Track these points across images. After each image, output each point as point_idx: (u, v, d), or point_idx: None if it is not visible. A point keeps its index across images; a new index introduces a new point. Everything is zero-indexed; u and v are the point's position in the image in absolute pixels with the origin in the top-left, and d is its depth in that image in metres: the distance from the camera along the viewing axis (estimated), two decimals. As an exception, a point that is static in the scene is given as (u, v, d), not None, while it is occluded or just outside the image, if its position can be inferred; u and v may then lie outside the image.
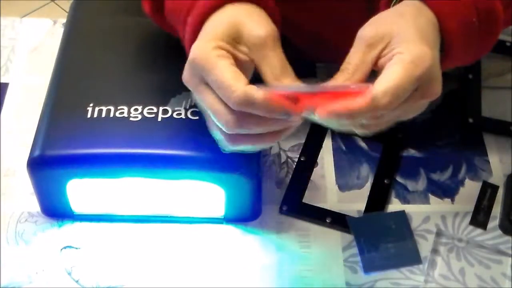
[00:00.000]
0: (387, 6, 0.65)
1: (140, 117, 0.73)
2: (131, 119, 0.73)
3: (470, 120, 0.88)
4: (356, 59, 0.60)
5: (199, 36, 0.61)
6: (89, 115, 0.73)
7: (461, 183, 0.83)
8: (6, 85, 0.92)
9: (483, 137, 0.88)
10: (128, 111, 0.73)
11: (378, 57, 0.60)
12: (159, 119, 0.73)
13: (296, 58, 0.78)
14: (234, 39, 0.59)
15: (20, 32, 1.00)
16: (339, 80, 0.59)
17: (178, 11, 0.66)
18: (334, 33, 0.80)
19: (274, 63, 0.58)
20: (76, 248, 0.76)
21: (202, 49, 0.58)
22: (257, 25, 0.59)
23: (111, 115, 0.73)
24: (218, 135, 0.60)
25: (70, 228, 0.78)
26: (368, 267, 0.74)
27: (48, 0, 2.31)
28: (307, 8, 0.78)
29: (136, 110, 0.73)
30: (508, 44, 0.95)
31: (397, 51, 0.58)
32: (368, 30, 0.61)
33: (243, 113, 0.56)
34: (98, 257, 0.75)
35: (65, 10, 2.19)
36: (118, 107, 0.74)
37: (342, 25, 0.79)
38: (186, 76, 0.59)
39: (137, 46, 0.82)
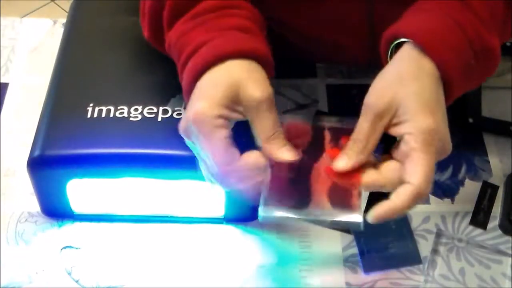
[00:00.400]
0: (386, 55, 0.66)
1: (140, 117, 0.73)
2: (131, 119, 0.73)
3: (470, 120, 0.88)
4: (366, 129, 0.61)
5: (199, 93, 0.62)
6: (89, 115, 0.73)
7: (461, 183, 0.83)
8: (6, 85, 0.92)
9: (483, 137, 0.88)
10: (128, 111, 0.73)
11: (388, 126, 0.61)
12: (159, 119, 0.73)
13: (296, 58, 0.78)
14: (233, 101, 0.61)
15: (20, 32, 1.00)
16: (354, 150, 0.61)
17: (178, 50, 0.66)
18: (334, 34, 0.80)
19: (267, 125, 0.61)
20: (76, 248, 0.76)
21: (202, 116, 0.60)
22: (255, 87, 0.61)
23: (111, 115, 0.73)
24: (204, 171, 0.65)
25: (70, 228, 0.78)
26: (368, 267, 0.74)
27: (48, 0, 2.31)
28: (307, 8, 0.78)
29: (136, 110, 0.73)
30: (508, 44, 0.95)
31: (406, 131, 0.60)
32: (374, 100, 0.61)
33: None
34: (98, 257, 0.75)
35: (65, 10, 2.19)
36: (118, 107, 0.74)
37: (342, 25, 0.79)
38: (183, 127, 0.62)
39: (137, 46, 0.82)
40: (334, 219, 0.62)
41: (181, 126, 0.63)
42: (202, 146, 0.61)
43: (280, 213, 0.61)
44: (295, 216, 0.62)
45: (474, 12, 0.65)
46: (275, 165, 0.62)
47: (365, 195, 0.81)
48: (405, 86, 0.61)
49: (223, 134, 0.60)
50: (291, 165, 0.62)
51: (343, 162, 0.61)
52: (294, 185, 0.63)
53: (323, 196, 0.62)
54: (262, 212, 0.62)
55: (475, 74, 0.66)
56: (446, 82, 0.63)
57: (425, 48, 0.62)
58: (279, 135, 0.61)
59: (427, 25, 0.64)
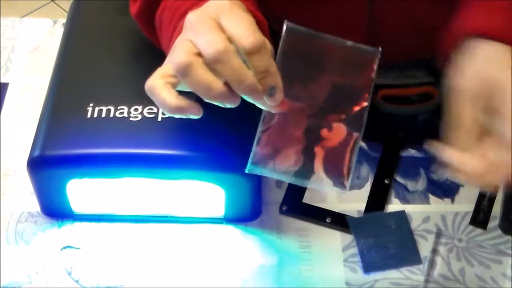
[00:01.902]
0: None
1: (140, 117, 0.73)
2: (131, 119, 0.73)
3: (470, 120, 0.88)
4: (468, 115, 0.59)
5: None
6: (89, 115, 0.73)
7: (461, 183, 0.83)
8: (6, 85, 0.92)
9: (483, 137, 0.88)
10: (128, 111, 0.73)
11: (486, 107, 0.59)
12: (159, 119, 0.73)
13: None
14: None
15: (20, 32, 1.00)
16: (461, 137, 0.59)
17: (173, 10, 0.66)
18: (334, 33, 0.80)
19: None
20: (76, 248, 0.76)
21: (232, 2, 0.57)
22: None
23: (111, 115, 0.73)
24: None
25: (70, 228, 0.78)
26: (368, 267, 0.74)
27: (48, 0, 2.31)
28: (307, 7, 0.78)
29: (136, 110, 0.73)
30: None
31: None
32: (469, 83, 0.60)
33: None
34: (98, 257, 0.75)
35: (65, 10, 2.19)
36: (118, 107, 0.74)
37: (342, 25, 0.79)
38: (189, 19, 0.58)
39: (137, 46, 0.82)
40: (323, 187, 0.61)
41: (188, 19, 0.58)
42: (230, 24, 0.56)
43: (267, 172, 0.61)
44: (282, 178, 0.61)
45: None
46: (276, 121, 0.60)
47: (365, 195, 0.81)
48: (503, 70, 0.59)
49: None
50: (293, 122, 0.61)
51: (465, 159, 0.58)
52: (290, 144, 0.61)
53: (319, 163, 0.61)
54: (250, 167, 0.60)
55: None
56: None
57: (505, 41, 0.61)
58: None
59: (500, 21, 0.63)
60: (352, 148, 0.61)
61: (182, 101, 0.57)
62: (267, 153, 0.61)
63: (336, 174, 0.61)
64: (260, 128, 0.60)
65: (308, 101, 0.61)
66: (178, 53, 0.56)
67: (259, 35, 0.55)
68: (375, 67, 0.61)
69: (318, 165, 0.61)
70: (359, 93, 0.61)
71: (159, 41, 0.72)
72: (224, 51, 0.55)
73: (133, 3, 0.76)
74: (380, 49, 0.60)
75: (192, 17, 0.58)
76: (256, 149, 0.60)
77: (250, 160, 0.60)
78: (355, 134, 0.61)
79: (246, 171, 0.60)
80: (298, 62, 0.60)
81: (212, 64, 0.55)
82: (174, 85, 0.58)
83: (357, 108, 0.61)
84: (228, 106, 0.58)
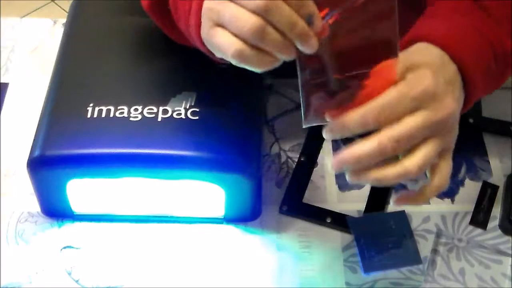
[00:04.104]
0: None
1: (140, 117, 0.73)
2: (131, 119, 0.73)
3: (470, 120, 0.88)
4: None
5: None
6: (89, 115, 0.73)
7: (461, 183, 0.83)
8: (6, 85, 0.92)
9: (483, 137, 0.88)
10: (128, 111, 0.73)
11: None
12: (159, 119, 0.73)
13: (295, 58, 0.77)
14: None
15: (20, 32, 1.00)
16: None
17: None
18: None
19: None
20: (76, 248, 0.76)
21: None
22: None
23: (111, 115, 0.73)
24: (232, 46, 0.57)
25: (70, 228, 0.78)
26: (368, 267, 0.74)
27: (48, 0, 2.31)
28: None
29: (136, 110, 0.73)
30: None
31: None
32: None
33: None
34: (98, 257, 0.75)
35: (65, 10, 2.19)
36: (118, 107, 0.74)
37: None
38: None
39: (137, 46, 0.82)
40: None
41: (206, 3, 0.58)
42: None
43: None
44: None
45: (490, 14, 0.65)
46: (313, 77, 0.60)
47: (365, 195, 0.81)
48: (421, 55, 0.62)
49: None
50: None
51: None
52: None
53: None
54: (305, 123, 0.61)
55: (493, 79, 0.66)
56: (467, 82, 0.63)
57: (447, 49, 0.62)
58: None
59: (446, 29, 0.65)
60: None
61: None
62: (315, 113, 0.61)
63: None
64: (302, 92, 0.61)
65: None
66: (241, 18, 0.55)
67: None
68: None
69: None
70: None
71: (177, 25, 0.70)
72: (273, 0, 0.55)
73: None
74: None
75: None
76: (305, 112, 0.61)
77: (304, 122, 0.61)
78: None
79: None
80: None
81: (263, 14, 0.55)
82: None
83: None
84: (284, 58, 0.57)
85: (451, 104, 0.61)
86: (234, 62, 0.57)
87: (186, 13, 0.65)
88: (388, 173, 0.60)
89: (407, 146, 0.59)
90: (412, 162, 0.60)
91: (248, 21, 0.55)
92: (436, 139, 0.60)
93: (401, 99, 0.59)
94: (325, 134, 0.61)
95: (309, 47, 0.57)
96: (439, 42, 0.63)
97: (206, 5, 0.58)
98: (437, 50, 0.63)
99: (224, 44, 0.57)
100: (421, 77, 0.60)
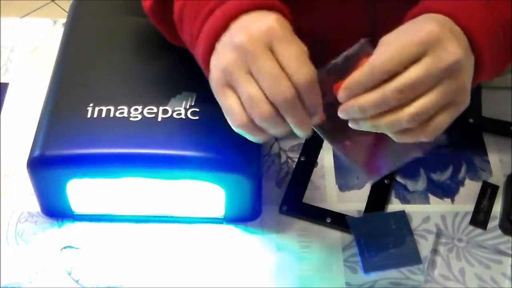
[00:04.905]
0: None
1: (140, 117, 0.73)
2: (131, 119, 0.73)
3: (470, 120, 0.88)
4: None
5: (249, 22, 0.60)
6: (89, 115, 0.73)
7: (461, 183, 0.83)
8: (6, 85, 0.92)
9: (483, 137, 0.88)
10: (128, 111, 0.73)
11: None
12: (159, 119, 0.73)
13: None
14: None
15: (20, 32, 1.00)
16: None
17: (195, 8, 0.65)
18: (334, 34, 0.80)
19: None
20: (76, 248, 0.76)
21: (278, 25, 0.59)
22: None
23: (111, 115, 0.73)
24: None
25: (70, 228, 0.78)
26: (368, 267, 0.74)
27: (48, 0, 2.31)
28: (307, 8, 0.78)
29: (136, 110, 0.73)
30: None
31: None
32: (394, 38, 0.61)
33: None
34: (98, 257, 0.75)
35: (65, 10, 2.19)
36: (118, 107, 0.74)
37: (343, 26, 0.79)
38: (229, 60, 0.59)
39: (137, 46, 0.82)
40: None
41: (226, 59, 0.59)
42: (284, 52, 0.58)
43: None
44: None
45: None
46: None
47: (365, 195, 0.81)
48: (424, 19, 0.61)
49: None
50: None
51: None
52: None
53: None
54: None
55: (501, 52, 0.65)
56: (477, 52, 0.62)
57: (452, 16, 0.61)
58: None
59: (452, 2, 0.64)
60: None
61: None
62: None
63: None
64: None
65: None
66: (256, 104, 0.58)
67: (309, 68, 0.58)
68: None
69: None
70: None
71: (179, 34, 0.71)
72: (291, 100, 0.57)
73: None
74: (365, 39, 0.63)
75: (243, 39, 0.58)
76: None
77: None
78: None
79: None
80: None
81: (278, 108, 0.58)
82: None
83: None
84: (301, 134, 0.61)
85: (456, 50, 0.59)
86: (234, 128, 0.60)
87: (193, 37, 0.65)
88: (381, 120, 0.59)
89: (411, 96, 0.58)
90: (404, 111, 0.58)
91: (262, 108, 0.58)
92: (438, 90, 0.58)
93: (406, 46, 0.58)
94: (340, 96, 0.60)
95: (305, 136, 0.60)
96: (444, 10, 0.62)
97: (226, 61, 0.59)
98: (441, 16, 0.62)
99: (231, 111, 0.60)
100: (424, 23, 0.60)
